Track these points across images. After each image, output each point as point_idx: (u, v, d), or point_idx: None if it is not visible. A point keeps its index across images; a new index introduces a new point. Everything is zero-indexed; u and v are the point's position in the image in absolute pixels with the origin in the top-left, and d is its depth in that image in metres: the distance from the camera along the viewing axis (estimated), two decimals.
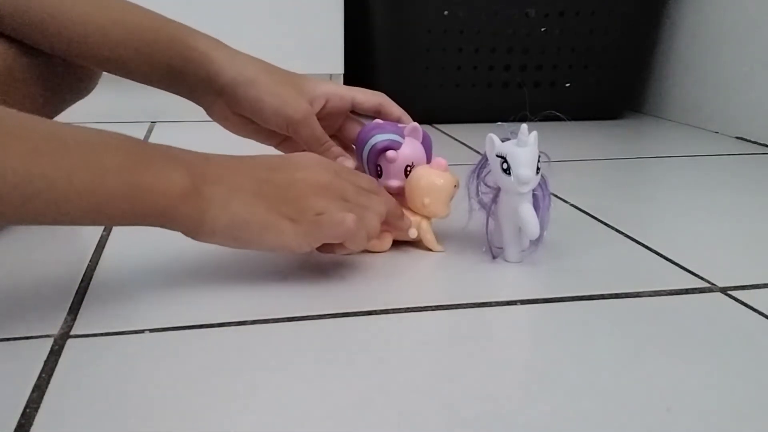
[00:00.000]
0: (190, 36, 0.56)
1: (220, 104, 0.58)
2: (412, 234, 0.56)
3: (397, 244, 0.58)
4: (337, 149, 0.59)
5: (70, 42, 0.55)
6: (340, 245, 0.48)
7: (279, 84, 0.57)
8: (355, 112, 0.64)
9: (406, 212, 0.56)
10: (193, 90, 0.58)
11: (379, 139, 0.56)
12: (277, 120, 0.57)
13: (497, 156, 0.51)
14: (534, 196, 0.52)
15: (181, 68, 0.56)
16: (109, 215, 0.41)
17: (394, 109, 0.62)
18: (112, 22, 0.55)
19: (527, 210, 0.51)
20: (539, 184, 0.52)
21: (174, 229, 0.44)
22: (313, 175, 0.48)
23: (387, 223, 0.53)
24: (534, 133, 0.50)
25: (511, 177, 0.50)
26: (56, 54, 0.57)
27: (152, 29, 0.56)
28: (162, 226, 0.44)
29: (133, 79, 0.58)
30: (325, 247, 0.49)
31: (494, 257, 0.55)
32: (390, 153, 0.56)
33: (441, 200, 0.55)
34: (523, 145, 0.50)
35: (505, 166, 0.50)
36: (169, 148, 0.45)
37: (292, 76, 0.59)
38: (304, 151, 0.61)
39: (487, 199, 0.54)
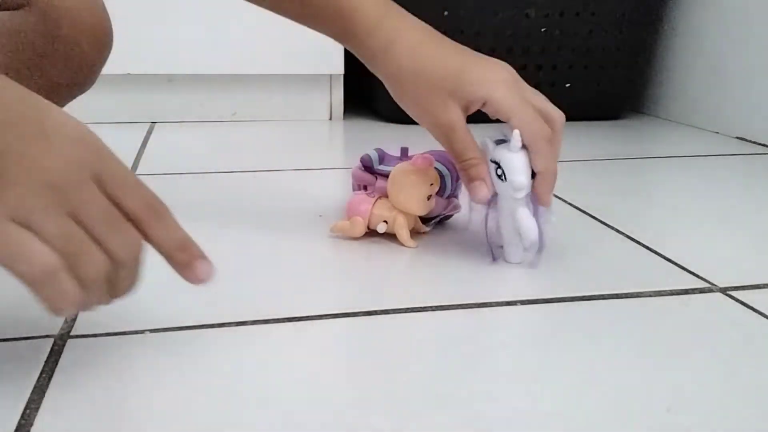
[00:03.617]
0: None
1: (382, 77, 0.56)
2: (380, 229, 0.57)
3: (384, 241, 0.58)
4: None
5: None
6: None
7: (432, 88, 0.52)
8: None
9: (384, 207, 0.58)
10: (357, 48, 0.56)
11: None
12: (422, 124, 0.54)
13: (492, 161, 0.51)
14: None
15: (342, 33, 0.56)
16: None
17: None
18: None
19: (524, 215, 0.51)
20: None
21: None
22: (58, 165, 0.31)
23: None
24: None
25: (506, 183, 0.50)
26: None
27: None
28: None
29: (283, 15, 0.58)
30: None
31: (494, 258, 0.55)
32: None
33: (414, 198, 0.56)
34: (515, 150, 0.50)
35: (499, 171, 0.50)
36: None
37: (455, 71, 0.52)
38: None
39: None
